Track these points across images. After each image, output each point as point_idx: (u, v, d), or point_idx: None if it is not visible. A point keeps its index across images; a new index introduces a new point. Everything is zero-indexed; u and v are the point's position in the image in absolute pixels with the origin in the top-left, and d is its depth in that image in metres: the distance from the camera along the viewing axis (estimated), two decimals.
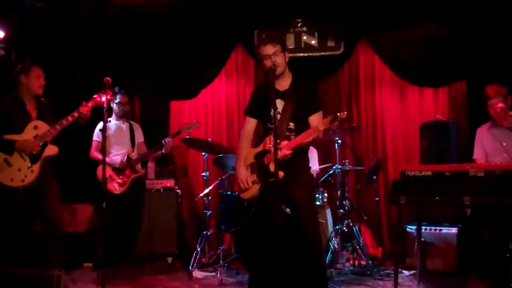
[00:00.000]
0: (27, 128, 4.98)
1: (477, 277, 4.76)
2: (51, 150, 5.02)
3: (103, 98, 4.82)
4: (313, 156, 6.40)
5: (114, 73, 6.94)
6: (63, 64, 7.01)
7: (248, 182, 4.47)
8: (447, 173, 4.20)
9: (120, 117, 6.39)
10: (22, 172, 4.90)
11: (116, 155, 6.21)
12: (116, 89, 6.35)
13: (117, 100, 6.32)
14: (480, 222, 4.72)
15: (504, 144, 4.94)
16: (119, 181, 6.08)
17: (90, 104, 4.99)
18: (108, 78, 4.58)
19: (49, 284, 4.26)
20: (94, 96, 5.02)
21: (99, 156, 6.09)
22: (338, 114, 3.99)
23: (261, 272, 3.55)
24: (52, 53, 6.95)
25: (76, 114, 4.95)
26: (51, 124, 4.98)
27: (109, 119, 6.21)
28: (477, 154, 5.20)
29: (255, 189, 4.46)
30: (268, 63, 4.34)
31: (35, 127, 4.99)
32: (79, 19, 6.98)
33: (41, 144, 4.95)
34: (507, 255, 4.70)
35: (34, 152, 4.93)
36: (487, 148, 5.09)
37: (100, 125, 6.05)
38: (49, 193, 5.04)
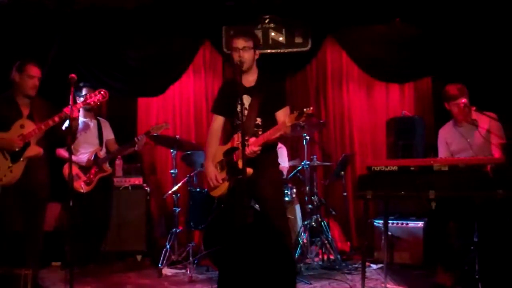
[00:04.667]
0: (13, 126, 4.85)
1: (443, 270, 4.83)
2: (33, 150, 4.87)
3: (96, 100, 4.91)
4: (282, 153, 6.44)
5: (80, 69, 6.86)
6: None
7: (217, 180, 4.46)
8: (412, 168, 4.25)
9: (86, 111, 6.30)
10: (1, 171, 4.78)
11: (84, 154, 6.15)
12: (81, 83, 6.28)
13: (83, 93, 6.23)
14: (445, 216, 4.80)
15: (468, 140, 5.01)
16: (85, 179, 6.02)
17: (78, 105, 4.93)
18: (74, 75, 4.52)
19: (17, 282, 4.22)
20: (86, 96, 4.95)
21: (65, 154, 6.03)
22: (305, 109, 3.99)
23: (230, 268, 3.56)
24: (17, 49, 6.82)
25: (62, 115, 4.83)
26: (37, 124, 4.87)
27: None
28: (442, 155, 5.19)
29: (224, 187, 4.46)
30: (236, 56, 4.34)
31: (22, 126, 4.85)
32: (45, 15, 6.89)
33: (23, 143, 4.83)
34: (472, 247, 4.79)
35: (15, 150, 4.80)
36: (453, 147, 5.13)
37: (67, 122, 5.99)
38: (37, 194, 4.97)
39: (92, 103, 5.04)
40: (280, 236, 4.02)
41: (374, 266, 5.94)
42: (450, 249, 4.88)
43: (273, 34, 7.15)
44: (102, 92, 4.98)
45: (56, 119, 4.85)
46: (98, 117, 6.50)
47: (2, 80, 5.20)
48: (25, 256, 4.84)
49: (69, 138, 4.47)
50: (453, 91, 5.05)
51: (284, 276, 3.61)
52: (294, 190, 6.29)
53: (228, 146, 4.48)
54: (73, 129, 4.97)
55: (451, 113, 5.13)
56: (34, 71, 4.98)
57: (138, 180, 6.79)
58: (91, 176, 6.05)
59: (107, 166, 6.24)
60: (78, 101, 6.19)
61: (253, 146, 4.18)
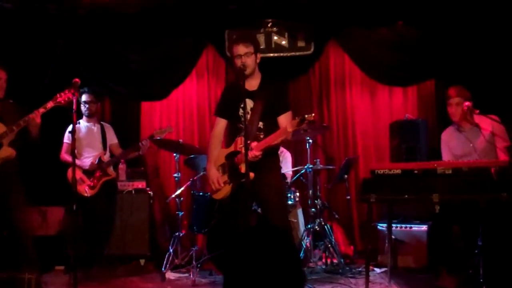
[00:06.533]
0: None
1: (448, 273, 4.82)
2: (5, 152, 4.90)
3: (67, 98, 4.80)
4: (287, 159, 6.44)
5: (84, 73, 6.86)
6: (32, 65, 6.92)
7: (219, 183, 4.45)
8: (416, 171, 4.25)
9: (87, 117, 6.30)
10: None
11: (88, 158, 6.14)
12: (80, 90, 6.27)
13: (82, 99, 6.23)
14: (449, 219, 4.79)
15: (472, 144, 4.97)
16: (89, 183, 6.01)
17: (49, 105, 4.88)
18: (77, 79, 4.52)
19: (21, 287, 4.22)
20: (56, 95, 4.89)
21: (69, 158, 6.03)
22: (306, 115, 3.96)
23: (235, 272, 3.56)
24: (21, 54, 6.85)
25: (31, 116, 4.85)
26: (9, 126, 4.88)
27: (78, 120, 6.19)
28: (446, 158, 5.16)
29: (226, 190, 4.45)
30: (238, 62, 4.33)
31: None
32: (48, 19, 6.92)
33: None
34: (476, 251, 4.78)
35: None
36: (457, 151, 5.08)
37: (70, 127, 6.00)
38: (10, 197, 4.96)
39: (63, 101, 4.93)
40: (287, 239, 4.01)
41: (377, 270, 5.91)
42: (454, 252, 4.87)
43: (275, 38, 7.15)
44: (71, 90, 4.88)
45: (27, 119, 4.85)
46: (102, 122, 6.50)
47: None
48: (20, 261, 4.85)
49: (72, 143, 4.47)
50: (449, 91, 5.07)
51: (291, 277, 3.60)
52: (297, 194, 6.28)
53: (231, 149, 4.47)
54: (33, 134, 4.99)
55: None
56: (1, 73, 5.03)
57: (141, 184, 6.79)
58: (95, 180, 6.04)
59: (111, 170, 6.23)
60: (81, 107, 6.22)
61: (255, 150, 4.18)
